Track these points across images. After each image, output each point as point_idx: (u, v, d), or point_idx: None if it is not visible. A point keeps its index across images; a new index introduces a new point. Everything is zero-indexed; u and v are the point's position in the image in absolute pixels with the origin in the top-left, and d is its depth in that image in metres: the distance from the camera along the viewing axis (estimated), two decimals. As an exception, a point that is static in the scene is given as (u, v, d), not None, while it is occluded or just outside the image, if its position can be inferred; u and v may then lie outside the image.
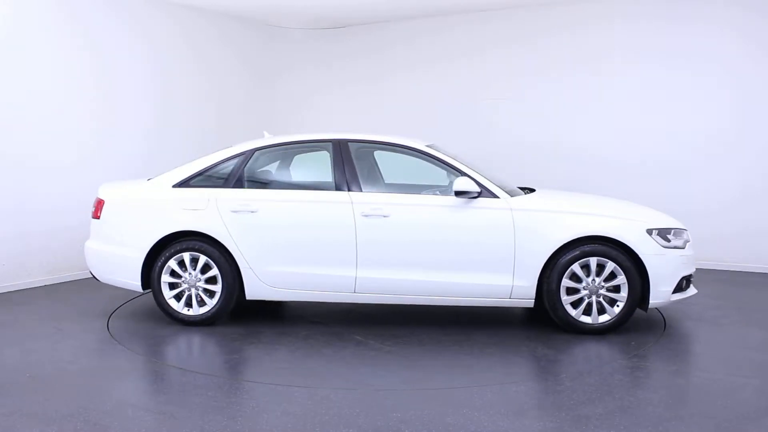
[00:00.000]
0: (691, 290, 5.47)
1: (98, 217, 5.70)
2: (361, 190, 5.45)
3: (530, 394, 4.03)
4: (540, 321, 5.60)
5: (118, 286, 5.74)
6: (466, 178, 5.31)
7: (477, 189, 5.25)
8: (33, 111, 6.84)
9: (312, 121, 9.67)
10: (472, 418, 3.67)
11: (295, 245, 5.41)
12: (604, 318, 5.22)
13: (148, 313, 6.03)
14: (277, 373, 4.51)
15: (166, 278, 5.51)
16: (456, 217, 5.30)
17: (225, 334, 5.47)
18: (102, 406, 3.85)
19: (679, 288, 5.29)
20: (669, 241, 5.24)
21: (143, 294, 6.09)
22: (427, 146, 5.63)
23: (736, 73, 7.48)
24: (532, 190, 5.86)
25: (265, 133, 6.17)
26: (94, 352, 4.88)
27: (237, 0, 8.15)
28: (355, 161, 5.55)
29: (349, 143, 5.60)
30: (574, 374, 4.36)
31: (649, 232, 5.22)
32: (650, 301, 5.19)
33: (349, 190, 5.44)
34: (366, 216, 5.31)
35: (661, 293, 5.19)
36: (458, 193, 5.25)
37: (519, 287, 5.23)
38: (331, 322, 5.67)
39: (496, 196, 5.30)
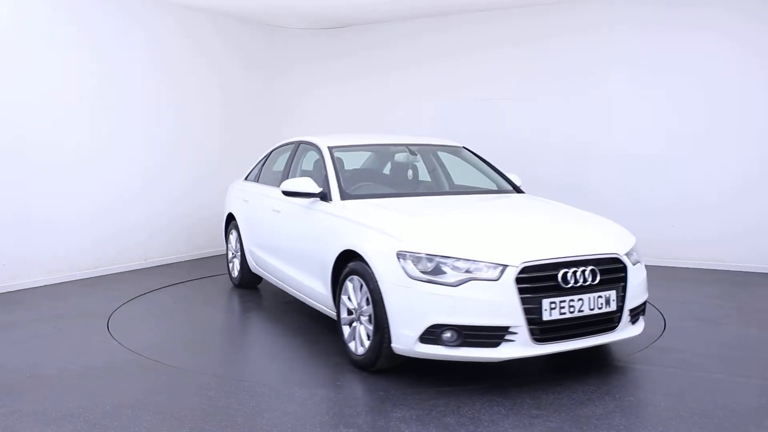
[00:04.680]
0: (475, 352, 3.88)
1: None
2: None
3: (530, 393, 4.03)
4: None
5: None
6: (304, 178, 5.15)
7: (316, 189, 5.06)
8: (34, 111, 6.85)
9: (313, 121, 9.69)
10: (472, 418, 3.67)
11: (256, 232, 6.31)
12: (361, 350, 4.34)
13: (148, 313, 6.05)
14: (277, 372, 4.51)
15: (230, 246, 7.04)
16: (304, 217, 5.25)
17: (226, 334, 5.47)
18: (102, 406, 3.85)
19: (437, 339, 3.90)
20: (442, 273, 3.89)
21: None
22: (331, 147, 5.46)
23: (736, 71, 7.48)
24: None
25: (334, 135, 6.26)
26: (94, 352, 4.88)
27: (238, 0, 8.15)
28: (297, 161, 6.01)
29: (300, 144, 6.07)
30: (574, 374, 4.36)
31: (401, 255, 3.99)
32: (392, 344, 4.08)
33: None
34: (274, 211, 5.83)
35: (402, 337, 3.99)
36: (285, 193, 5.20)
37: (328, 297, 4.83)
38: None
39: (331, 199, 5.01)
